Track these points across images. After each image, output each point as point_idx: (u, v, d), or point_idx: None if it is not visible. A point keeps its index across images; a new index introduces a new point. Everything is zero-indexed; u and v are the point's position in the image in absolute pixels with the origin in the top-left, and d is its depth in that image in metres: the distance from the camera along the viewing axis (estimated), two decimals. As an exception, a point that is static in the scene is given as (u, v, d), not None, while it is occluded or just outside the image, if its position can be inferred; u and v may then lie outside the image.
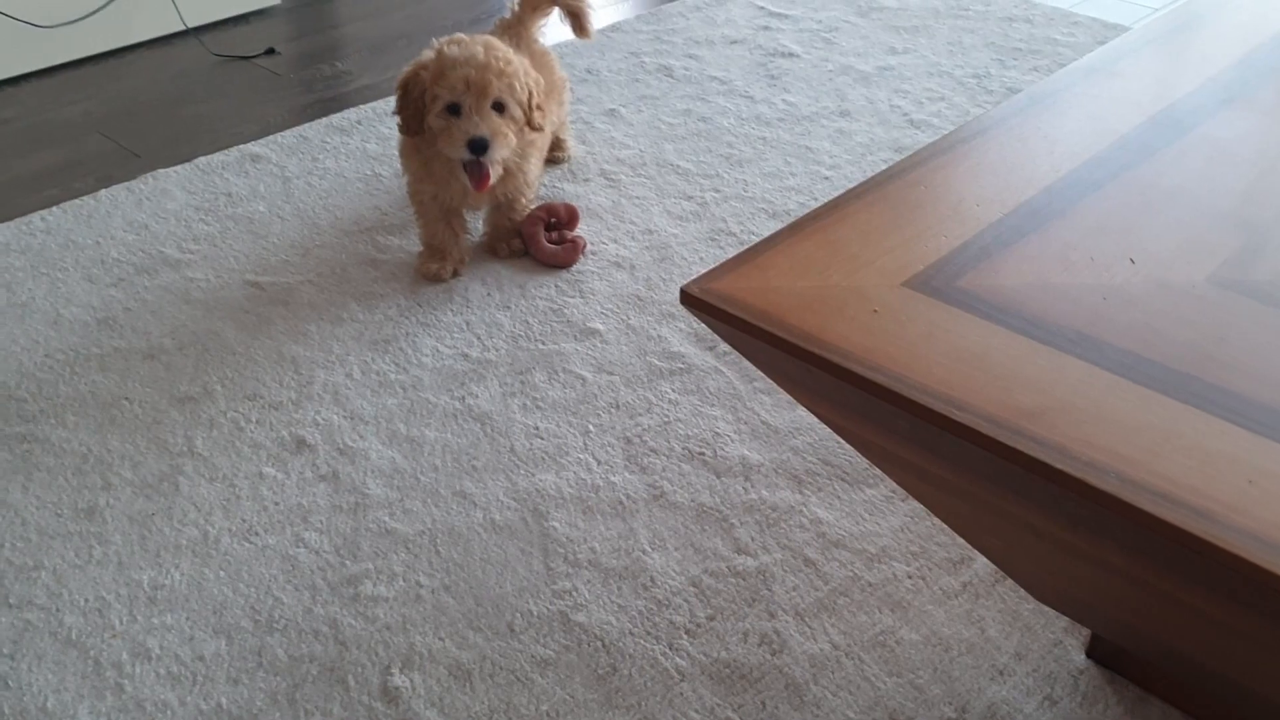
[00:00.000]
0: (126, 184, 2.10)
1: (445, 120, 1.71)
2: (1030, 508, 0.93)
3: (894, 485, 1.48)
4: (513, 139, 1.74)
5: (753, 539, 1.40)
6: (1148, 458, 0.83)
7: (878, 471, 1.50)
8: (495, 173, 1.75)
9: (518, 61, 1.73)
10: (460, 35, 1.75)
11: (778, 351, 0.98)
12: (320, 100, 2.44)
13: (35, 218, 2.00)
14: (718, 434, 1.57)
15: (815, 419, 1.59)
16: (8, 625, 1.29)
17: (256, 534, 1.41)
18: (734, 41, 2.70)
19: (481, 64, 1.68)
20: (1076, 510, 0.86)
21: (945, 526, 1.43)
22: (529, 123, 1.77)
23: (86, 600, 1.32)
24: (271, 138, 2.27)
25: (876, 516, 1.44)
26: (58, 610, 1.31)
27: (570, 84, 2.22)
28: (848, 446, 1.54)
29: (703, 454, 1.53)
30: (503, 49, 1.72)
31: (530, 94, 1.75)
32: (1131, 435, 0.85)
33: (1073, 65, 1.40)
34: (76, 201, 2.05)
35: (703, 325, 1.77)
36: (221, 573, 1.36)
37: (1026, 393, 0.89)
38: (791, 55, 2.64)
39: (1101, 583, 1.01)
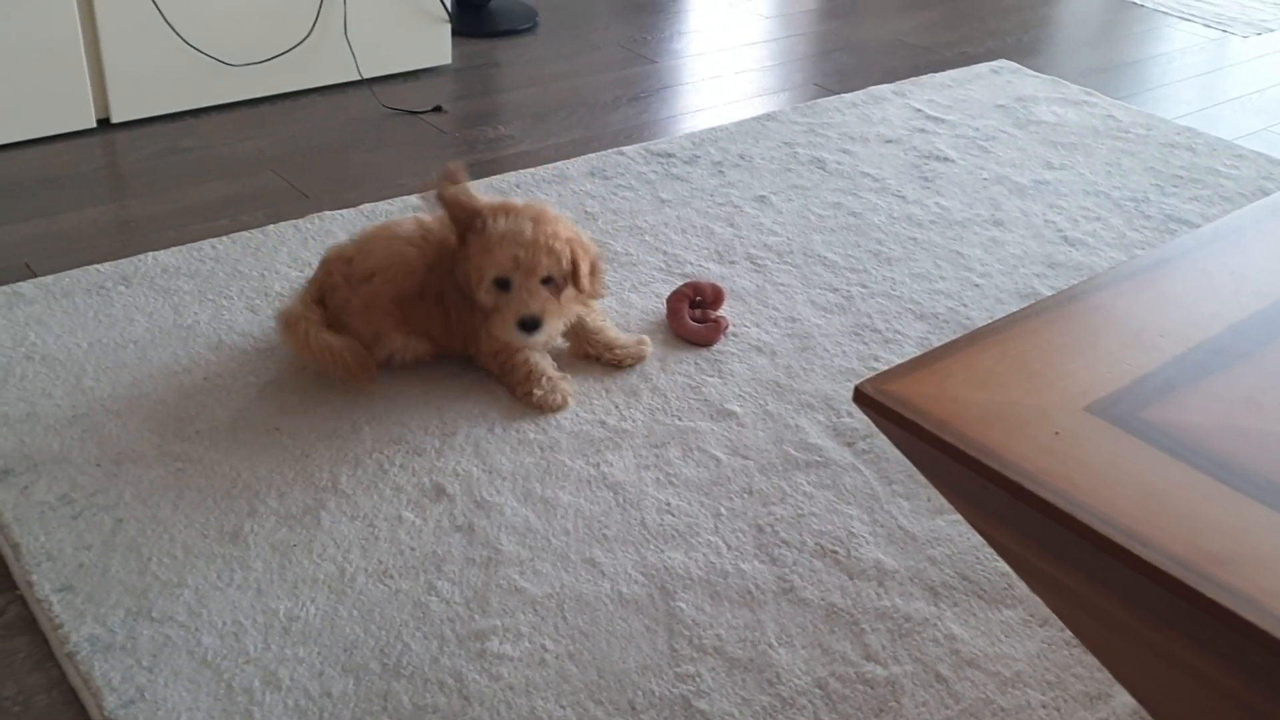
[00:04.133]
0: (294, 221, 2.18)
1: (495, 296, 1.69)
2: (1204, 655, 0.89)
3: (1033, 609, 1.44)
4: (562, 313, 1.72)
5: (883, 647, 1.38)
6: (1343, 620, 0.79)
7: (1017, 593, 1.46)
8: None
9: (568, 238, 1.69)
10: (513, 202, 1.72)
11: (953, 463, 0.96)
12: (481, 161, 2.52)
13: (206, 245, 2.09)
14: (852, 534, 1.55)
15: (954, 531, 1.56)
16: (149, 638, 1.33)
17: (391, 576, 1.43)
18: (889, 141, 2.72)
19: (530, 241, 1.65)
20: (1258, 664, 0.83)
21: (1085, 659, 1.38)
22: (577, 284, 1.72)
23: (224, 623, 1.36)
24: (432, 191, 2.34)
25: (1013, 639, 1.40)
26: (196, 629, 1.34)
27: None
28: (987, 563, 1.51)
29: (836, 552, 1.51)
30: (552, 221, 1.69)
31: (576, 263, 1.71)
32: (1326, 594, 0.81)
33: (1260, 203, 1.37)
34: (245, 234, 2.14)
35: (842, 420, 1.76)
36: (355, 611, 1.38)
37: (1214, 536, 0.86)
38: (946, 160, 2.64)
39: (1269, 743, 0.96)
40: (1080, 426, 0.98)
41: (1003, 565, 1.50)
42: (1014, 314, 1.14)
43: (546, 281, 1.68)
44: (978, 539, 1.55)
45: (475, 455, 1.64)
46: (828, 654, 1.36)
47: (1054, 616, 1.43)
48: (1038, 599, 1.46)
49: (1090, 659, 1.37)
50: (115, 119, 2.53)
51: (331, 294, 1.80)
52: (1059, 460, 0.94)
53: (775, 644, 1.37)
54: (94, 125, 2.51)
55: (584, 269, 1.73)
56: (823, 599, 1.44)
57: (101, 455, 1.59)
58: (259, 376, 1.77)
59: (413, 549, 1.47)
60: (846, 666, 1.35)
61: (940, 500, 1.61)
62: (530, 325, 1.67)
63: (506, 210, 1.70)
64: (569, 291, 1.72)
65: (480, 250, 1.67)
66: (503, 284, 1.68)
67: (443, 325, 1.80)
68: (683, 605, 1.42)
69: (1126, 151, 2.76)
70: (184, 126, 2.57)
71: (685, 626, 1.39)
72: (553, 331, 1.73)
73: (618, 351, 1.85)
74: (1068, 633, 1.41)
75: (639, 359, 1.86)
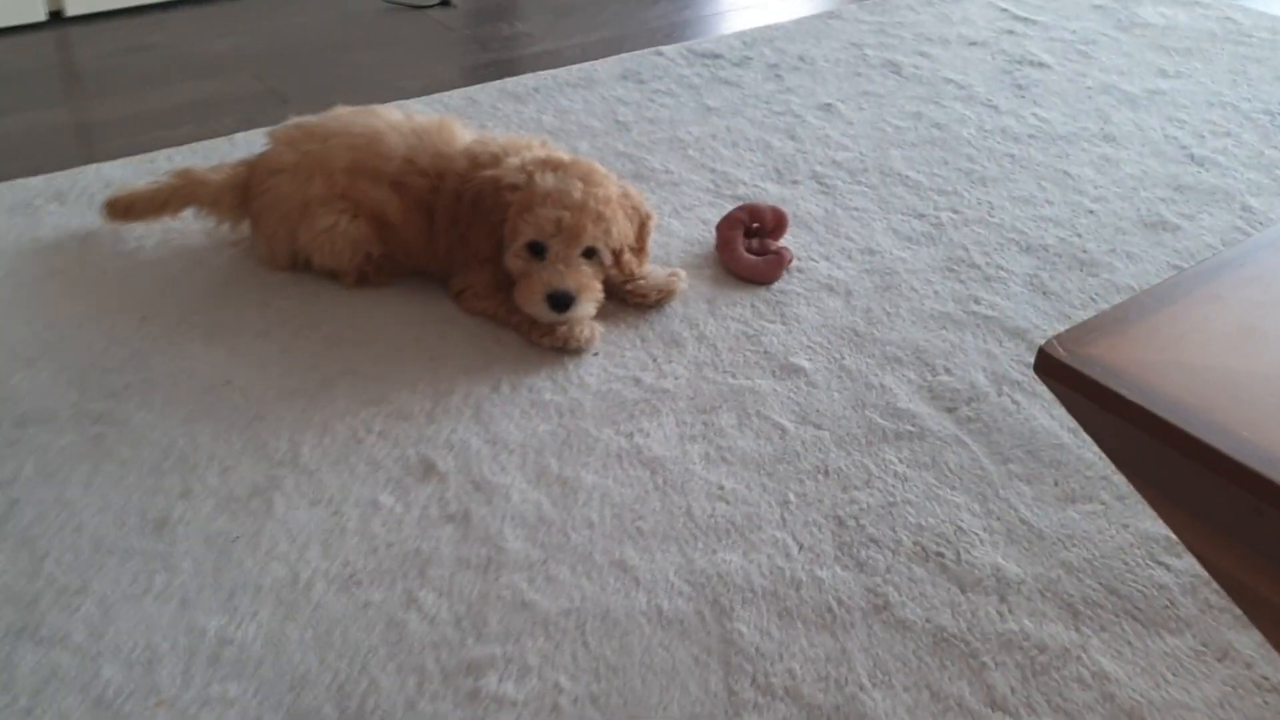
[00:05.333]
0: (267, 129, 1.82)
1: (525, 261, 1.41)
2: None
3: (1206, 636, 1.08)
4: (600, 291, 1.43)
5: (1013, 689, 1.03)
6: None
7: (1182, 613, 1.11)
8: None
9: (617, 200, 1.42)
10: (561, 156, 1.44)
11: (1193, 464, 0.61)
12: (495, 61, 2.15)
13: (160, 155, 1.74)
14: (961, 529, 1.19)
15: (1092, 525, 1.20)
16: (32, 666, 1.00)
17: (359, 584, 1.09)
18: (972, 43, 2.32)
19: (577, 204, 1.38)
20: None
21: (1286, 710, 1.03)
22: (619, 267, 1.46)
23: (134, 647, 1.02)
24: (436, 96, 1.98)
25: (1184, 678, 1.05)
26: (96, 655, 1.01)
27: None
28: (1140, 570, 1.15)
29: (941, 554, 1.16)
30: (603, 183, 1.41)
31: (624, 240, 1.44)
32: None
33: None
34: (209, 142, 1.78)
35: (939, 379, 1.40)
36: (308, 632, 1.04)
37: None
38: (1042, 65, 2.24)
39: None
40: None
41: (1160, 575, 1.15)
42: (1246, 246, 0.77)
43: (588, 255, 1.41)
44: (1123, 538, 1.19)
45: (475, 421, 1.30)
46: (938, 698, 1.02)
47: (1235, 647, 1.08)
48: (1212, 621, 1.10)
49: (1299, 714, 1.02)
50: (70, 12, 2.18)
51: (261, 159, 1.50)
52: (1380, 474, 0.58)
53: (868, 684, 1.03)
54: (44, 19, 2.15)
55: (634, 245, 1.46)
56: (927, 620, 1.09)
57: (1, 415, 1.26)
58: (209, 316, 1.43)
59: (389, 545, 1.13)
60: (965, 718, 1.00)
61: (1072, 484, 1.25)
62: (562, 302, 1.39)
63: (554, 165, 1.41)
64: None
65: (520, 207, 1.39)
66: (537, 249, 1.40)
67: (422, 237, 1.48)
68: (742, 627, 1.07)
69: (1252, 58, 2.35)
70: (150, 21, 2.21)
71: (746, 658, 1.04)
72: (585, 313, 1.41)
73: (641, 283, 1.50)
74: (1257, 670, 1.06)
75: (668, 294, 1.51)
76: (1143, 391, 0.63)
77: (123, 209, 1.50)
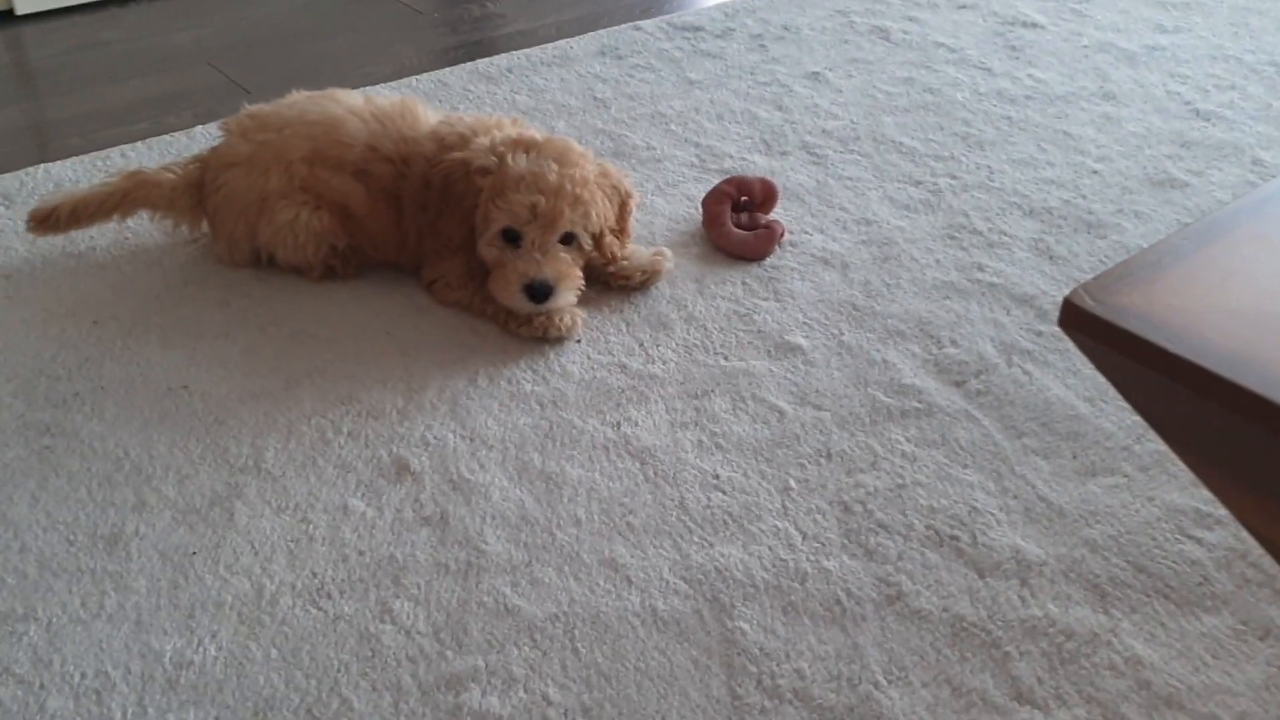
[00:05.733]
0: (221, 120, 1.74)
1: (499, 250, 1.32)
2: None
3: (1246, 614, 1.00)
4: (581, 279, 1.34)
5: (1040, 680, 0.95)
6: None
7: (1218, 589, 1.03)
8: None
9: (595, 180, 1.33)
10: (533, 135, 1.35)
11: (1250, 423, 0.52)
12: (466, 43, 2.06)
13: (115, 153, 1.65)
14: (976, 510, 1.11)
15: (1115, 500, 1.12)
16: (-28, 702, 0.92)
17: (329, 596, 1.01)
18: (962, 6, 2.23)
19: (553, 187, 1.29)
20: None
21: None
22: (600, 250, 1.37)
23: (83, 675, 0.94)
24: (405, 81, 1.89)
25: (1225, 661, 0.97)
26: (42, 687, 0.93)
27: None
28: (1169, 546, 1.07)
29: (956, 538, 1.08)
30: (579, 163, 1.32)
31: (604, 222, 1.36)
32: None
33: None
34: (167, 137, 1.70)
35: (945, 351, 1.31)
36: (274, 651, 0.96)
37: None
38: (1035, 25, 2.16)
39: None
40: None
41: (1192, 550, 1.07)
42: (1292, 173, 0.69)
43: (566, 240, 1.32)
44: (1150, 511, 1.11)
45: (452, 417, 1.21)
46: (959, 694, 0.94)
47: (1278, 624, 1.00)
48: (1251, 597, 1.02)
49: (1353, 695, 0.94)
50: (20, 10, 2.09)
51: (214, 153, 1.41)
52: None
53: (883, 681, 0.95)
54: (-6, 18, 2.07)
55: (615, 227, 1.38)
56: (944, 609, 1.01)
57: (-57, 431, 1.18)
58: (165, 317, 1.34)
59: (361, 554, 1.05)
60: (990, 713, 0.92)
61: (1092, 457, 1.17)
62: (540, 293, 1.30)
63: (526, 145, 1.32)
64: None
65: (492, 192, 1.30)
66: (512, 236, 1.31)
67: (389, 227, 1.40)
68: (744, 626, 0.99)
69: (1253, 9, 2.26)
70: (104, 17, 2.12)
71: (750, 659, 0.96)
72: (565, 302, 1.32)
73: (625, 264, 1.41)
74: (1302, 649, 0.98)
75: (654, 275, 1.42)
76: (1187, 342, 0.54)
77: (67, 215, 1.37)
